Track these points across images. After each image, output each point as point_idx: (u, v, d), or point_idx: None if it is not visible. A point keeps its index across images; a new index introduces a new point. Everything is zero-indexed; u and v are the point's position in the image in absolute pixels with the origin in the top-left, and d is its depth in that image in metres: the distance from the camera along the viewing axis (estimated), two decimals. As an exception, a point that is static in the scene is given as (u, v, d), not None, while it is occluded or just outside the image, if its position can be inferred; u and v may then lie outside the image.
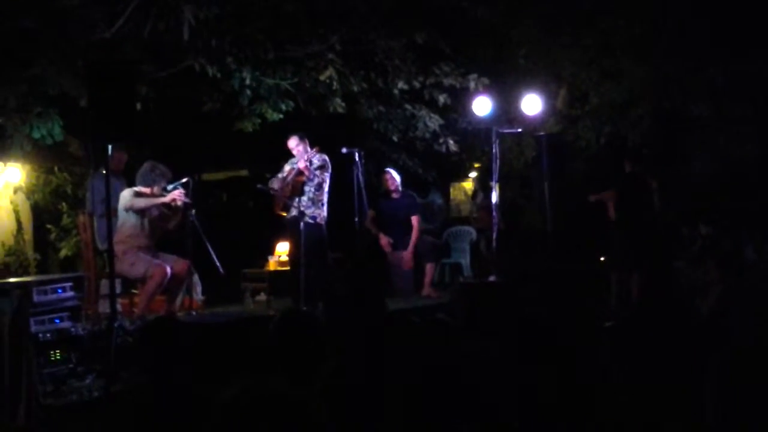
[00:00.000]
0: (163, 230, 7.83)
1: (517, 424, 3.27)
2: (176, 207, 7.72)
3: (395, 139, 11.03)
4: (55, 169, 9.74)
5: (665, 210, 9.82)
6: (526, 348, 3.70)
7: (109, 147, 6.62)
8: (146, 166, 7.85)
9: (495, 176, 9.69)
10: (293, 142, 8.75)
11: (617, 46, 11.05)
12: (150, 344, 3.71)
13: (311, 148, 8.69)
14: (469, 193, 13.13)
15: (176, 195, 7.62)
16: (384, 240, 10.01)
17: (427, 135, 10.96)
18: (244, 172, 12.82)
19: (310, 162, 8.65)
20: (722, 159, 11.30)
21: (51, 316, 6.61)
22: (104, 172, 6.83)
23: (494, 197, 9.75)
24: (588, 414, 3.38)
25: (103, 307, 7.65)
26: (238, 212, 12.97)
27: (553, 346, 3.67)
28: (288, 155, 8.92)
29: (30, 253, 9.77)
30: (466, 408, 3.18)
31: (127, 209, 7.60)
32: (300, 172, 8.60)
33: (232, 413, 1.99)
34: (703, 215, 10.18)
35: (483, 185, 12.70)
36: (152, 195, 7.68)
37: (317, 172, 8.69)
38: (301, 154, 8.68)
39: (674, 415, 3.24)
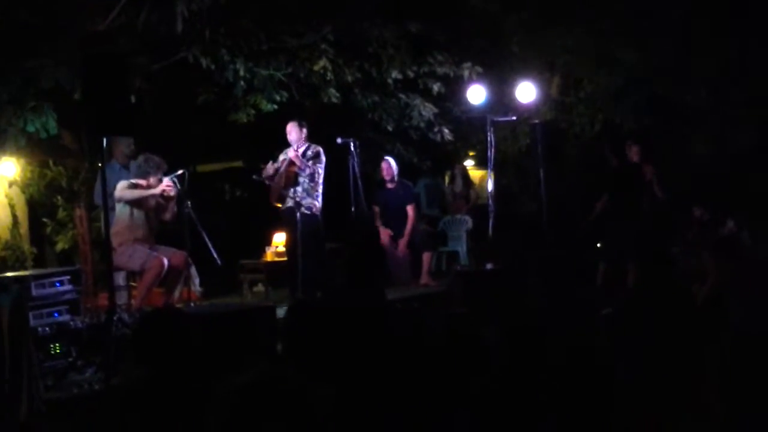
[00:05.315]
0: (159, 222, 7.84)
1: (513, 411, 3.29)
2: (169, 196, 7.71)
3: (390, 128, 11.02)
4: (50, 162, 9.72)
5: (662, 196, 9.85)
6: (523, 335, 3.71)
7: (104, 139, 6.63)
8: (140, 158, 7.86)
9: (491, 164, 9.71)
10: (291, 127, 8.75)
11: (609, 33, 11.05)
12: (150, 336, 3.72)
13: (308, 137, 8.72)
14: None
15: (165, 186, 7.62)
16: (384, 234, 10.03)
17: (422, 124, 10.94)
18: (238, 163, 12.81)
19: (304, 153, 8.66)
20: (717, 145, 11.32)
21: (50, 309, 6.64)
22: (99, 164, 6.86)
23: (490, 185, 9.77)
24: (587, 401, 3.39)
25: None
26: (233, 203, 12.97)
27: (551, 334, 3.69)
28: (283, 145, 8.92)
29: (26, 247, 9.75)
30: (463, 394, 3.21)
31: (118, 200, 7.61)
32: (292, 162, 8.61)
33: (243, 400, 2.01)
34: (697, 199, 10.20)
35: (462, 173, 12.72)
36: (147, 187, 7.69)
37: (309, 163, 8.69)
38: (296, 141, 8.69)
39: (676, 401, 3.26)
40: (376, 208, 10.12)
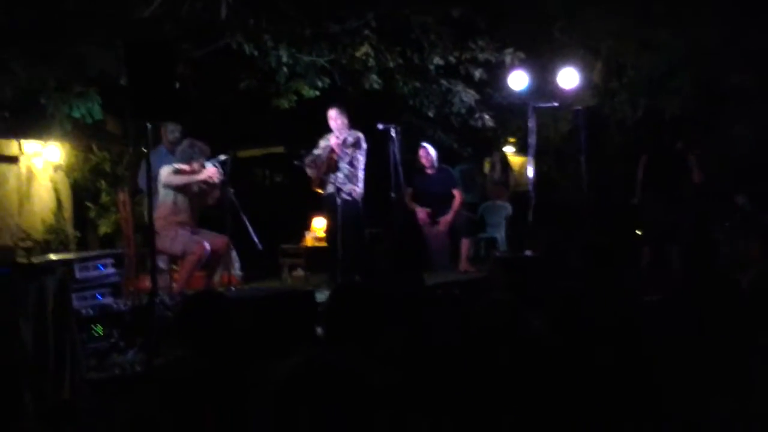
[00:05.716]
0: (202, 206, 7.90)
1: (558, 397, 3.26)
2: (213, 183, 7.77)
3: (431, 114, 10.99)
4: (94, 147, 9.84)
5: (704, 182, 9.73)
6: (566, 322, 3.68)
7: (149, 125, 6.70)
8: (185, 143, 7.93)
9: (531, 150, 9.64)
10: (333, 113, 8.78)
11: (656, 16, 10.87)
12: (192, 318, 3.75)
13: (349, 123, 8.74)
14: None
15: (211, 172, 7.68)
16: (422, 213, 9.95)
17: (463, 110, 10.89)
18: (279, 149, 12.85)
19: (344, 140, 8.68)
20: (761, 130, 11.12)
21: (93, 291, 6.74)
22: (144, 149, 6.93)
23: (530, 171, 9.70)
24: (632, 388, 3.37)
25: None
26: (274, 188, 13.03)
27: (593, 321, 3.66)
28: (324, 131, 8.94)
29: (70, 231, 9.89)
30: (512, 384, 3.19)
31: (165, 186, 7.68)
32: (332, 149, 8.65)
33: (293, 385, 2.01)
34: (739, 186, 10.06)
35: (502, 160, 12.64)
36: (191, 172, 7.74)
37: (348, 150, 8.71)
38: (337, 127, 8.73)
39: (721, 389, 3.21)
40: (410, 190, 9.97)
